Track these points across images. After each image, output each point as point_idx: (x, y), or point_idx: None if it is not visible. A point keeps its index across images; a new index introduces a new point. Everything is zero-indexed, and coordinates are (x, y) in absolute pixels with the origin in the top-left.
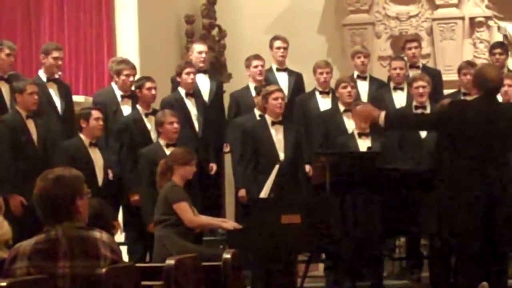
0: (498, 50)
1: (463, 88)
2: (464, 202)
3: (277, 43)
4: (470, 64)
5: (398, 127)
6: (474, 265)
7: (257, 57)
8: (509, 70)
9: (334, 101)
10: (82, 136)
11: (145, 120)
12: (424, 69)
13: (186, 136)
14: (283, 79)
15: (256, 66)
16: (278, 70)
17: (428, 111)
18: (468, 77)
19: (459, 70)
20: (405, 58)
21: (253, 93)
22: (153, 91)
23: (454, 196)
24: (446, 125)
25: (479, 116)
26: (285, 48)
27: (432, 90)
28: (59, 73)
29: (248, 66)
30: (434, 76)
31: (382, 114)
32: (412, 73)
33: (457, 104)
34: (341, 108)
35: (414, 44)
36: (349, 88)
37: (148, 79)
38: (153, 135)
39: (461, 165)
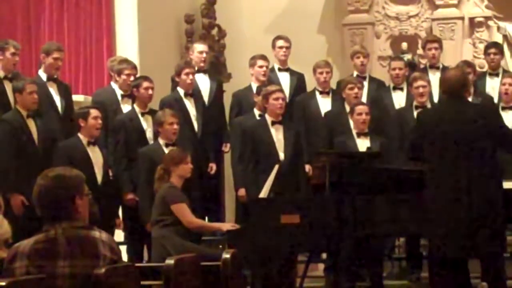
0: (493, 50)
1: None
2: (442, 204)
3: (280, 43)
4: (467, 63)
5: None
6: (449, 269)
7: (263, 57)
8: (504, 70)
9: (335, 101)
10: (80, 135)
11: (141, 119)
12: (444, 70)
13: (185, 136)
14: (285, 79)
15: (261, 66)
16: (280, 70)
17: None
18: None
19: None
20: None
21: None
22: (149, 91)
23: (434, 199)
24: (422, 136)
25: (445, 120)
26: (288, 48)
27: None
28: (58, 73)
29: (252, 65)
30: None
31: None
32: (431, 74)
33: (425, 113)
34: (347, 108)
35: (435, 45)
36: (356, 90)
37: (146, 78)
38: (148, 134)
39: (436, 167)
